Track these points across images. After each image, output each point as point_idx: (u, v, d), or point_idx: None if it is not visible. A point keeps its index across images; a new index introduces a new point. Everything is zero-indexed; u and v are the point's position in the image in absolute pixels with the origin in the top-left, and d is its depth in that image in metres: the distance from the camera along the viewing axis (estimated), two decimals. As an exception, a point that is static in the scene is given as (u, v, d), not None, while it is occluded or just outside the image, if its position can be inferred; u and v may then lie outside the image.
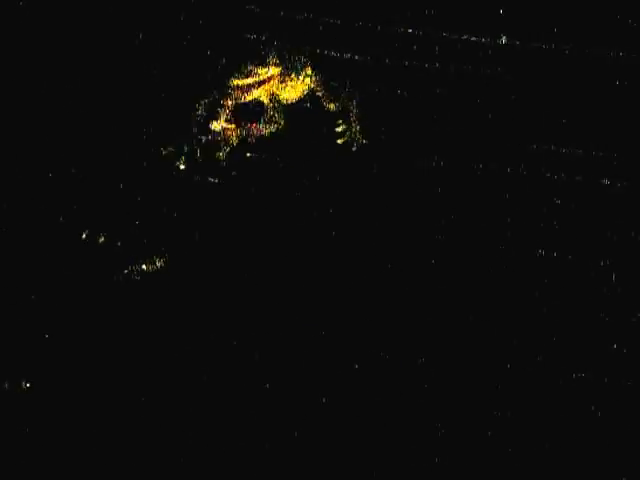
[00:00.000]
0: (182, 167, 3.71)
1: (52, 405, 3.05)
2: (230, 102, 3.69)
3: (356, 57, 3.72)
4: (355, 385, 2.90)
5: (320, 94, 3.77)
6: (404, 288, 3.06)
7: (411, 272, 3.11)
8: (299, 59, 3.75)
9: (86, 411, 3.02)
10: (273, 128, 3.72)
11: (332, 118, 3.74)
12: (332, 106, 3.77)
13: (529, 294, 2.96)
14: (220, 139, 3.67)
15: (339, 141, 3.76)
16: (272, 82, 3.71)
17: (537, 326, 2.91)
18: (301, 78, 3.73)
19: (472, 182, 3.43)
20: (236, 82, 3.71)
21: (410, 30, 3.69)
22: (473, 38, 3.64)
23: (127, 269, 3.57)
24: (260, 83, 3.71)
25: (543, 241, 3.08)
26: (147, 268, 3.58)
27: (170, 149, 3.71)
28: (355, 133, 3.78)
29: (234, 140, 3.68)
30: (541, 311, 2.92)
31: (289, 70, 3.72)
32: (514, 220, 3.19)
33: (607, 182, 3.16)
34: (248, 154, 3.74)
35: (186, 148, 3.70)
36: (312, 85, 3.75)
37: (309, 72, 3.74)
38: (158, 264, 3.60)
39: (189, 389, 3.04)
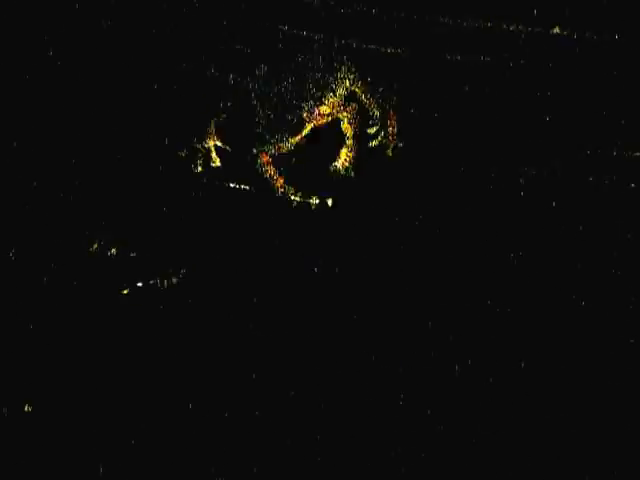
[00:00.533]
0: (199, 169, 3.37)
1: (55, 422, 2.90)
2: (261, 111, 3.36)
3: (395, 51, 3.42)
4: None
5: (359, 94, 3.43)
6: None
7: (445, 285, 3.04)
8: (341, 59, 3.41)
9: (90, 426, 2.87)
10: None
11: (367, 119, 3.45)
12: (371, 106, 3.43)
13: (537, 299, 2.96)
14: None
15: (372, 143, 3.43)
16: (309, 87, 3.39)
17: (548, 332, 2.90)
18: (341, 80, 3.41)
19: (523, 190, 3.23)
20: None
21: (453, 21, 3.38)
22: (522, 28, 3.34)
23: (139, 284, 3.24)
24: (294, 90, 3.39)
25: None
26: (161, 284, 3.25)
27: (186, 152, 3.38)
28: (391, 135, 3.44)
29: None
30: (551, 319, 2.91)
31: (329, 73, 3.39)
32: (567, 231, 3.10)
33: None
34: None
35: (203, 150, 3.37)
36: (351, 86, 3.41)
37: (351, 71, 3.41)
38: (174, 280, 3.26)
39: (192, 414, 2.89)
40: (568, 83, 3.36)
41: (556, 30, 3.34)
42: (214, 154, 3.38)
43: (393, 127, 3.42)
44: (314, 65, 3.37)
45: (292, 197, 3.34)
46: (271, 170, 3.35)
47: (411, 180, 3.32)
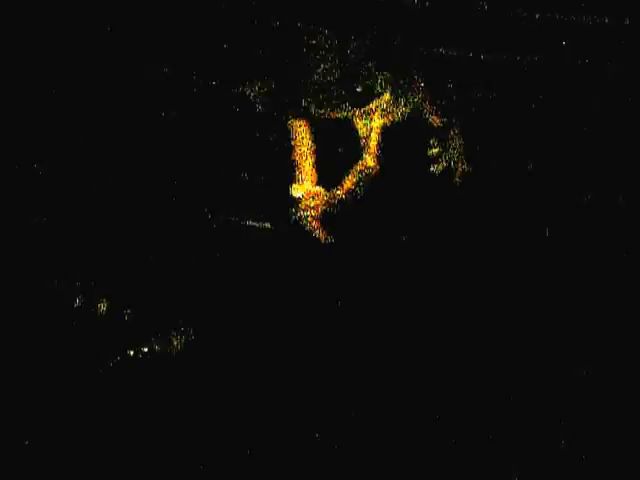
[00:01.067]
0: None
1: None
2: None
3: (462, 59, 2.91)
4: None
5: (426, 110, 2.89)
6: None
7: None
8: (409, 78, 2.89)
9: None
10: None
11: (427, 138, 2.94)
12: (436, 122, 2.91)
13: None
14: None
15: (434, 168, 2.88)
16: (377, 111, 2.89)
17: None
18: (410, 98, 2.89)
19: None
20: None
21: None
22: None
23: (132, 349, 2.71)
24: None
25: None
26: (160, 348, 2.72)
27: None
28: (457, 158, 2.89)
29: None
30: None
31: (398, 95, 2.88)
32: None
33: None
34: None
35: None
36: (419, 101, 2.89)
37: (419, 89, 2.89)
38: (175, 343, 2.72)
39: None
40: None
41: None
42: None
43: (460, 148, 2.90)
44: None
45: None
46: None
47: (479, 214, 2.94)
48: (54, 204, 2.84)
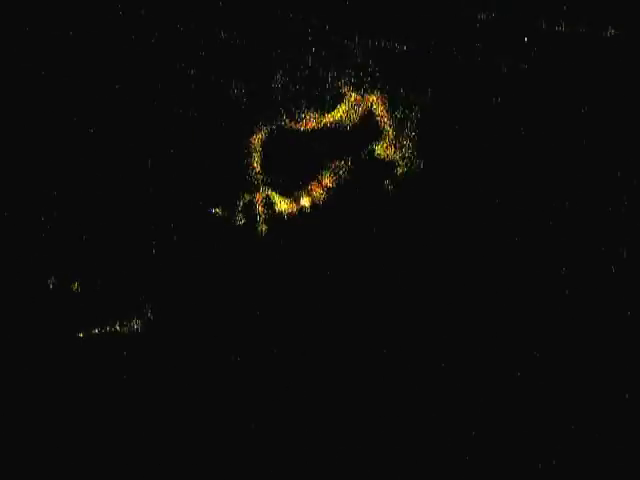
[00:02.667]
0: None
1: None
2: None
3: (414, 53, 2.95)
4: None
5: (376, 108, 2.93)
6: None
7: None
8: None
9: None
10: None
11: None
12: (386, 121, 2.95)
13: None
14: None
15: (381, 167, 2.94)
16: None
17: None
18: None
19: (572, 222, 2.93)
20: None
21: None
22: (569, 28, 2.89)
23: (95, 330, 2.74)
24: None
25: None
26: (121, 330, 2.76)
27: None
28: (404, 156, 2.94)
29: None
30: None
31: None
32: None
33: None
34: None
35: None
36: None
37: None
38: (135, 326, 2.76)
39: None
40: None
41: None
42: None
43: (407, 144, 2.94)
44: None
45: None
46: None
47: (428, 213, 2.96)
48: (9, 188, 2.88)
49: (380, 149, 2.93)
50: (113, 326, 2.74)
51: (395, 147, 2.93)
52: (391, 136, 2.93)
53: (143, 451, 2.67)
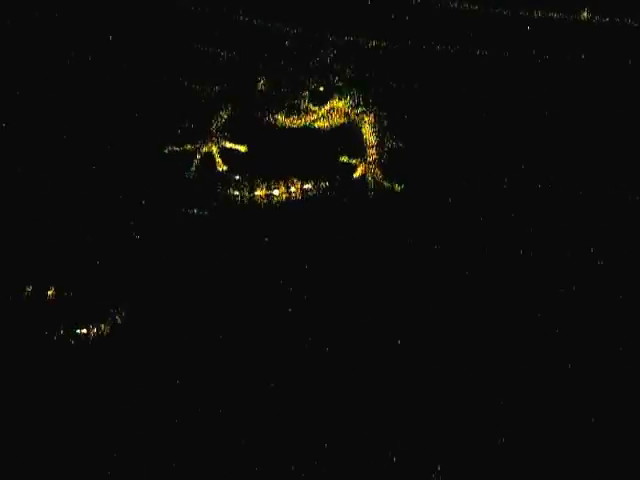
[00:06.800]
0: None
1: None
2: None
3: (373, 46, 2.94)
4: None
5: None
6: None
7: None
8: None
9: None
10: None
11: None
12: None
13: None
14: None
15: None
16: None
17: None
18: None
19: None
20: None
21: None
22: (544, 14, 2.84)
23: (59, 333, 2.68)
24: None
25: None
26: (88, 333, 2.70)
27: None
28: (370, 169, 2.88)
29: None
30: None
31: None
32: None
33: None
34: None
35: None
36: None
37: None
38: (104, 329, 2.71)
39: None
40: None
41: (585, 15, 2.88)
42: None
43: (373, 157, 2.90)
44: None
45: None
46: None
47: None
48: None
49: (357, 153, 2.92)
50: (89, 328, 2.71)
51: (375, 151, 2.91)
52: (371, 140, 2.91)
53: (128, 451, 2.63)
